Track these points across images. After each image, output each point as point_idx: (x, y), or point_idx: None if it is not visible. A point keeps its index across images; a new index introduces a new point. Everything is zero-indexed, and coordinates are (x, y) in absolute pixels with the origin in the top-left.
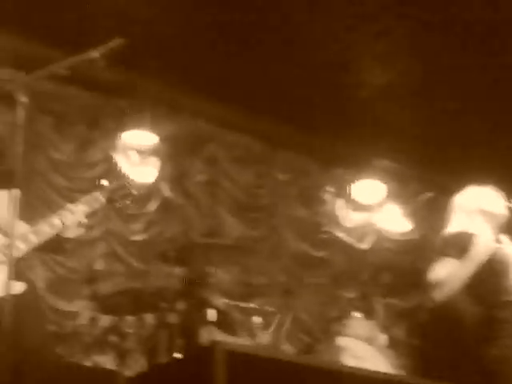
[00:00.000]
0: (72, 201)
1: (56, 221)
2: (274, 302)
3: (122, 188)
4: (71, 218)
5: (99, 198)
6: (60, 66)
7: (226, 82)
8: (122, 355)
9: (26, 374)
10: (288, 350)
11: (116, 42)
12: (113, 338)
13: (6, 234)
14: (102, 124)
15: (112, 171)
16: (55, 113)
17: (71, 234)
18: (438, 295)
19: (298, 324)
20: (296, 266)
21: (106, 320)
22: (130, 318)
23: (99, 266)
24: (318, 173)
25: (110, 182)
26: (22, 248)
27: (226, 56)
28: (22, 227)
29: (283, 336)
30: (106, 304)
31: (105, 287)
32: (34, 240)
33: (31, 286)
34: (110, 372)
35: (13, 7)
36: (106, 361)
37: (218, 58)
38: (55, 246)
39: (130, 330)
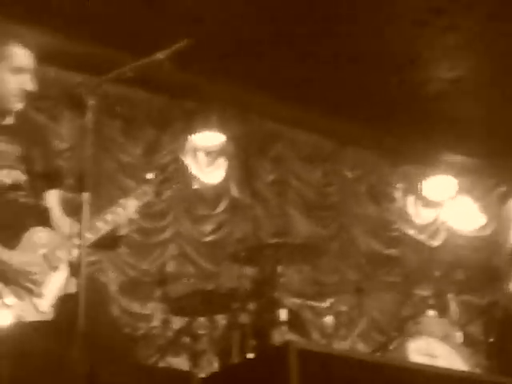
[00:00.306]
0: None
1: (109, 217)
2: (346, 300)
3: (169, 180)
4: (124, 214)
5: (148, 191)
6: (128, 69)
7: (293, 80)
8: (194, 356)
9: (102, 377)
10: (361, 349)
11: (183, 44)
12: (185, 340)
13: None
14: (170, 126)
15: (180, 173)
16: (123, 116)
17: (124, 230)
18: None
19: (370, 323)
20: (367, 264)
21: (178, 322)
22: (201, 319)
23: (170, 267)
24: (387, 169)
25: (175, 183)
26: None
27: (293, 55)
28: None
29: (356, 335)
30: (177, 306)
31: (176, 289)
32: (90, 237)
33: (102, 288)
34: (185, 373)
35: (82, 12)
36: (180, 362)
37: (286, 57)
38: (109, 243)
39: (202, 331)
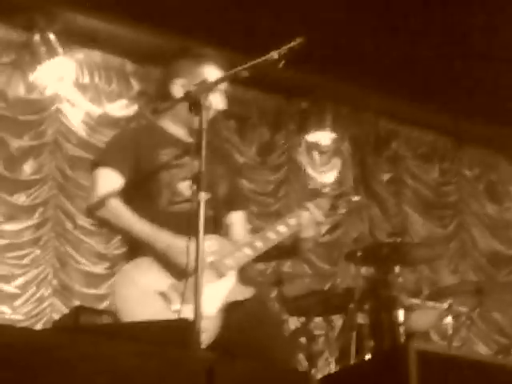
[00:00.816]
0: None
1: (282, 228)
2: (466, 301)
3: (342, 195)
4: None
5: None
6: (243, 69)
7: (408, 78)
8: (311, 357)
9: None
10: (482, 351)
11: (297, 43)
12: (301, 340)
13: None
14: (284, 126)
15: (295, 173)
16: (237, 116)
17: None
18: None
19: (492, 324)
20: (487, 264)
21: (294, 322)
22: (317, 320)
23: (287, 267)
24: (506, 167)
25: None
26: (248, 255)
27: (408, 53)
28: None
29: (476, 337)
30: (293, 306)
31: (292, 289)
32: (261, 247)
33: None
34: (303, 373)
35: (198, 13)
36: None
37: (401, 55)
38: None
39: (319, 332)
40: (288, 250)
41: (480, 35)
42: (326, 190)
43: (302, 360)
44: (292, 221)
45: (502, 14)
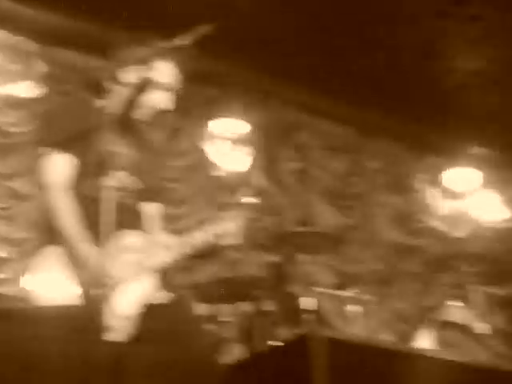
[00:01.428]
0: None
1: (204, 235)
2: (370, 290)
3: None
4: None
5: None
6: (150, 53)
7: (317, 69)
8: (219, 344)
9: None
10: (385, 338)
11: (205, 29)
12: (210, 327)
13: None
14: (192, 113)
15: (201, 160)
16: None
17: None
18: None
19: (394, 312)
20: (391, 254)
21: (202, 308)
22: (225, 307)
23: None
24: (410, 161)
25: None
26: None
27: (316, 44)
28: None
29: (379, 324)
30: (201, 293)
31: (201, 276)
32: (183, 252)
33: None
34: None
35: None
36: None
37: (310, 46)
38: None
39: (227, 319)
40: (205, 253)
41: (385, 27)
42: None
43: (210, 347)
44: (216, 228)
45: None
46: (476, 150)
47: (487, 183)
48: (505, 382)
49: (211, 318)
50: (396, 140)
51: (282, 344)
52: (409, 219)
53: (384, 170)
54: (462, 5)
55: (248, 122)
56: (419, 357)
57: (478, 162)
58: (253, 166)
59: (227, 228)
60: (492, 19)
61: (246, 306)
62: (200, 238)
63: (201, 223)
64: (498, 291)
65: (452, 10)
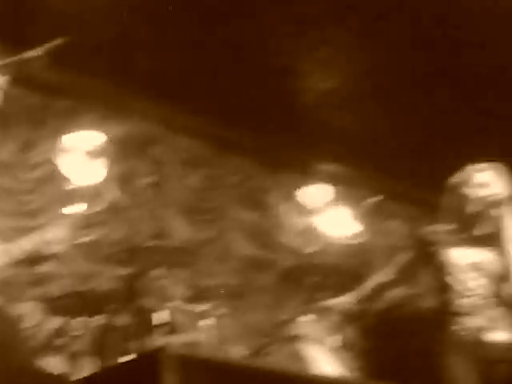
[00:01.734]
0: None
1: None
2: (223, 304)
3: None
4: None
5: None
6: (2, 65)
7: (174, 83)
8: (71, 358)
9: None
10: (238, 352)
11: (59, 42)
12: (62, 341)
13: None
14: (48, 125)
15: (55, 173)
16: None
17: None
18: None
19: (247, 326)
20: (244, 268)
21: (54, 322)
22: (78, 320)
23: (47, 267)
24: (265, 176)
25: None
26: None
27: (174, 57)
28: None
29: (233, 338)
30: (54, 306)
31: (52, 289)
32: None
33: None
34: (56, 376)
35: None
36: (57, 363)
37: (166, 60)
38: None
39: (79, 332)
40: (32, 259)
41: (251, 48)
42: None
43: (62, 361)
44: (42, 236)
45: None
46: (328, 166)
47: (338, 199)
48: None
49: (63, 331)
50: (251, 156)
51: (134, 358)
52: (263, 234)
53: (239, 185)
54: (312, 27)
55: (103, 134)
56: (271, 372)
57: (330, 179)
58: (107, 179)
59: (53, 236)
60: (340, 42)
61: (98, 320)
62: (25, 245)
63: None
64: (349, 305)
65: (303, 31)
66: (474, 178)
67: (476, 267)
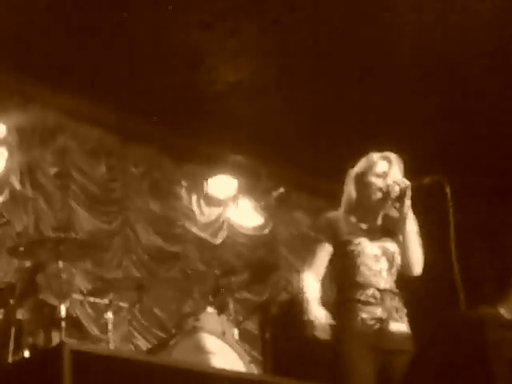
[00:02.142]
0: None
1: None
2: (128, 296)
3: None
4: None
5: None
6: None
7: (79, 74)
8: None
9: None
10: (142, 345)
11: None
12: None
13: None
14: None
15: None
16: None
17: None
18: None
19: (151, 319)
20: (150, 260)
21: None
22: None
23: None
24: (171, 167)
25: None
26: None
27: (80, 47)
28: None
29: (137, 331)
30: None
31: None
32: None
33: None
34: None
35: None
36: None
37: (71, 50)
38: None
39: None
40: None
41: (147, 36)
42: None
43: None
44: None
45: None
46: (234, 158)
47: (244, 191)
48: None
49: None
50: (158, 147)
51: (32, 356)
52: (169, 225)
53: (144, 176)
54: (222, 18)
55: (6, 124)
56: (170, 368)
57: (236, 170)
58: (9, 170)
59: None
60: (250, 34)
61: None
62: None
63: None
64: (252, 297)
65: (213, 22)
66: (375, 167)
67: (377, 258)
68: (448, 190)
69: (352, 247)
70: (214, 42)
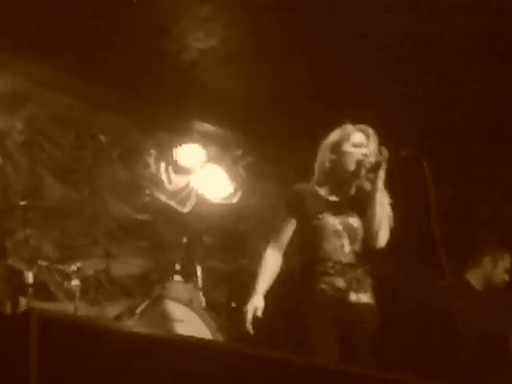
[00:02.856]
0: None
1: None
2: (94, 264)
3: None
4: None
5: None
6: None
7: (47, 41)
8: None
9: None
10: (109, 313)
11: None
12: None
13: None
14: None
15: None
16: None
17: None
18: None
19: (118, 287)
20: (117, 228)
21: None
22: None
23: None
24: (139, 135)
25: None
26: None
27: (46, 14)
28: None
29: (104, 299)
30: None
31: None
32: None
33: None
34: None
35: None
36: None
37: (39, 16)
38: None
39: None
40: None
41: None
42: None
43: None
44: None
45: None
46: (203, 127)
47: (212, 160)
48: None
49: None
50: (126, 115)
51: (2, 319)
52: (137, 193)
53: (113, 144)
54: None
55: None
56: (138, 336)
57: (205, 139)
58: None
59: None
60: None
61: None
62: None
63: None
64: (221, 265)
65: None
66: (352, 137)
67: (338, 234)
68: (425, 164)
69: (315, 221)
70: (183, 9)
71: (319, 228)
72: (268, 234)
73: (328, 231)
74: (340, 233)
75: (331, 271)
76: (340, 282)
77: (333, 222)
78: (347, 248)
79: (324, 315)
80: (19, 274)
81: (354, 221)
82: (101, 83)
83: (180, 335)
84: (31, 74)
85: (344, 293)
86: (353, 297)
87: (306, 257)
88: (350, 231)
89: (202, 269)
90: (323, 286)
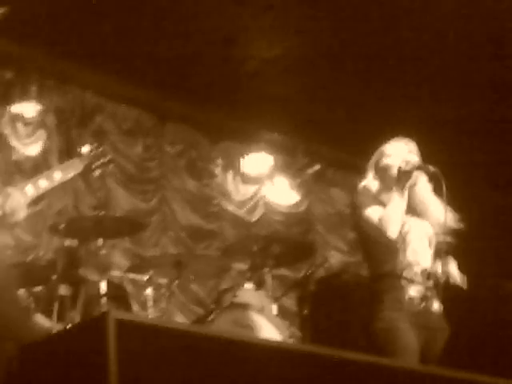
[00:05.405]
0: None
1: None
2: (166, 273)
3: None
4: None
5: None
6: None
7: (116, 54)
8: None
9: None
10: (181, 321)
11: (0, 11)
12: None
13: None
14: None
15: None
16: None
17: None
18: None
19: (190, 295)
20: (187, 238)
21: None
22: (21, 291)
23: None
24: (207, 145)
25: None
26: None
27: (115, 27)
28: None
29: (175, 308)
30: None
31: None
32: None
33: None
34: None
35: None
36: None
37: (108, 29)
38: None
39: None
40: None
41: (185, 13)
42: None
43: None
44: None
45: None
46: (269, 136)
47: (279, 169)
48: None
49: None
50: (193, 125)
51: (76, 326)
52: (204, 203)
53: (181, 155)
54: None
55: (44, 105)
56: (213, 338)
57: (271, 148)
58: (48, 150)
59: (16, 203)
60: (284, 9)
61: (41, 290)
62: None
63: None
64: (289, 273)
65: None
66: (399, 147)
67: (420, 237)
68: (443, 182)
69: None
70: (248, 18)
71: (405, 233)
72: (335, 241)
73: (409, 235)
74: (420, 235)
75: (412, 278)
76: (425, 290)
77: (412, 225)
78: (427, 252)
79: (408, 322)
80: (92, 284)
81: (428, 225)
82: (169, 94)
83: (258, 338)
84: (100, 88)
85: (429, 301)
86: (435, 305)
87: (389, 259)
88: (430, 235)
89: (272, 277)
90: (411, 293)
